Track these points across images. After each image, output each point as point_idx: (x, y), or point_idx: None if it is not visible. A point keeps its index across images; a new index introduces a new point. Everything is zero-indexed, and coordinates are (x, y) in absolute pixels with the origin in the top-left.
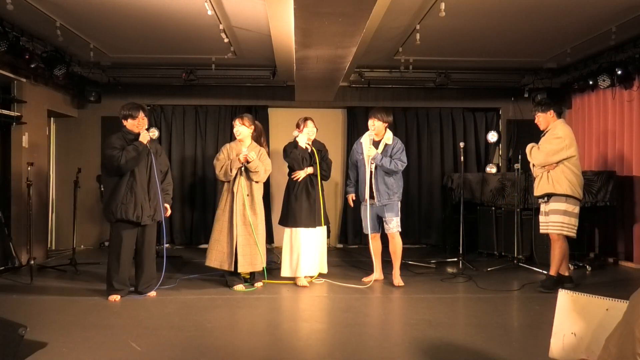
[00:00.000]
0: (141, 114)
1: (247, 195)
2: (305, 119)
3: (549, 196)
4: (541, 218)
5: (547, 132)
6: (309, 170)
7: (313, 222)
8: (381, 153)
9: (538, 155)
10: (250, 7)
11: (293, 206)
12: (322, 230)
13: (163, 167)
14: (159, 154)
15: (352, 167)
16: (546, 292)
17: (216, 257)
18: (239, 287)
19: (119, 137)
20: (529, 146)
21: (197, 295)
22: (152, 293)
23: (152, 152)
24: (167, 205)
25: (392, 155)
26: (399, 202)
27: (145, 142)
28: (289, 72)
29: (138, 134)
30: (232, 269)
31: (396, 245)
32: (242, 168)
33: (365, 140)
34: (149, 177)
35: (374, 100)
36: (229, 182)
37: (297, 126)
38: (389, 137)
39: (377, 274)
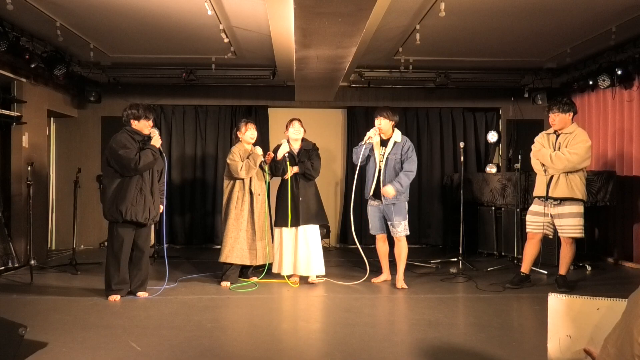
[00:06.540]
0: (152, 116)
1: (259, 194)
2: (292, 120)
3: (563, 199)
4: (539, 219)
5: (561, 133)
6: (295, 169)
7: (285, 222)
8: (391, 151)
9: (564, 161)
10: (250, 7)
11: (276, 205)
12: (303, 229)
13: (160, 167)
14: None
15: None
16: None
17: (238, 254)
18: (226, 283)
19: (127, 138)
20: (544, 151)
21: (197, 295)
22: (145, 293)
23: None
24: (161, 206)
25: (403, 154)
26: (407, 204)
27: (158, 146)
28: (289, 72)
29: (145, 136)
30: (255, 263)
31: (401, 249)
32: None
33: (376, 140)
34: (151, 178)
35: (374, 100)
36: (243, 182)
37: (287, 127)
38: (397, 135)
39: (385, 275)
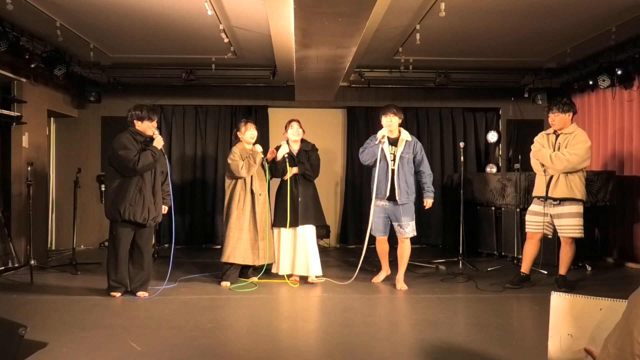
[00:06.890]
0: (156, 118)
1: (260, 194)
2: (290, 121)
3: (562, 199)
4: (539, 218)
5: (561, 133)
6: (294, 170)
7: (284, 223)
8: (403, 150)
9: (563, 162)
10: (250, 7)
11: (275, 206)
12: (302, 230)
13: (164, 168)
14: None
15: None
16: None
17: (240, 254)
18: (226, 283)
19: (129, 139)
20: (544, 152)
21: (197, 295)
22: (145, 294)
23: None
24: (166, 207)
25: (417, 153)
26: (413, 204)
27: (160, 147)
28: (289, 72)
29: (148, 137)
30: (257, 263)
31: (405, 249)
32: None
33: (385, 140)
34: (153, 179)
35: (374, 100)
36: (244, 182)
37: (285, 129)
38: (406, 133)
39: (385, 271)
